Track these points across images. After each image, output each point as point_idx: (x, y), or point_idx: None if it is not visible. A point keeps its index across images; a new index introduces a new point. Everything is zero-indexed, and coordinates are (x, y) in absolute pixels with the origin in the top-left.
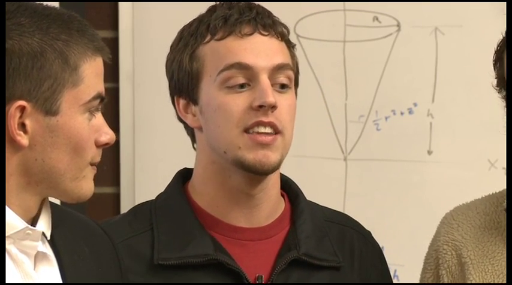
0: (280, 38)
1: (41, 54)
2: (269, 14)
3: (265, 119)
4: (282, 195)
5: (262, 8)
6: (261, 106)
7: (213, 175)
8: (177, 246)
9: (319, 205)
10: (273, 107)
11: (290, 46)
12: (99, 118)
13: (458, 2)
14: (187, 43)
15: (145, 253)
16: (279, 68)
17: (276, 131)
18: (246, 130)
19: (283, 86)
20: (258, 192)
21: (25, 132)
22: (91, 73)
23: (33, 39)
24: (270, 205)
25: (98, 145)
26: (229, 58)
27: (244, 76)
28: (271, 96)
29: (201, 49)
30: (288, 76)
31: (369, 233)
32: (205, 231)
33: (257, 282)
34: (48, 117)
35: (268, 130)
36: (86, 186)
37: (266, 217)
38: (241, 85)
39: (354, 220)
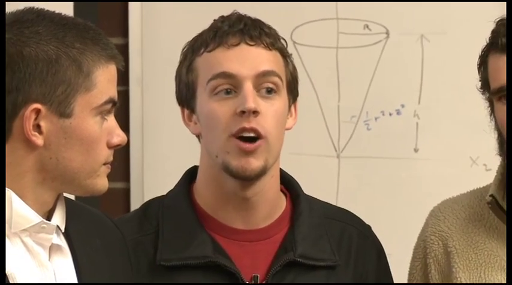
0: (269, 48)
1: (56, 60)
2: (259, 25)
3: (247, 125)
4: (285, 193)
5: (253, 20)
6: (243, 112)
7: (211, 179)
8: (179, 248)
9: (321, 201)
10: (255, 112)
11: (285, 55)
12: (111, 121)
13: (443, 11)
14: (186, 56)
15: (150, 253)
16: (263, 75)
17: (259, 136)
18: (233, 135)
19: (269, 91)
20: (252, 195)
21: (40, 132)
22: (104, 79)
23: (49, 47)
24: (267, 207)
25: (110, 146)
26: (216, 68)
27: (230, 84)
28: (252, 102)
29: (196, 61)
30: (273, 82)
31: (369, 228)
32: (206, 232)
33: (253, 282)
34: (62, 119)
35: (251, 134)
36: (100, 183)
37: (263, 219)
38: (228, 92)
39: (354, 216)
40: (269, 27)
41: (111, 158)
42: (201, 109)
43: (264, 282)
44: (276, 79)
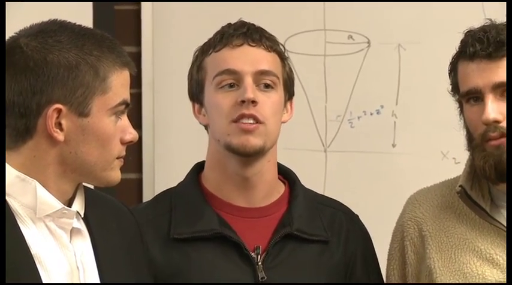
0: (268, 50)
1: (76, 66)
2: (260, 31)
3: (246, 111)
4: (284, 182)
5: (254, 25)
6: (243, 101)
7: (216, 163)
8: (190, 223)
9: (315, 192)
10: (254, 102)
11: (282, 58)
12: (124, 120)
13: (417, 23)
14: (197, 57)
15: (165, 229)
16: (261, 73)
17: (258, 121)
18: (234, 121)
19: (267, 86)
20: (252, 175)
21: (61, 129)
22: (118, 83)
23: (70, 54)
24: (265, 188)
25: (123, 142)
26: (222, 66)
27: (233, 79)
28: (251, 93)
29: (205, 61)
30: (271, 80)
31: (357, 216)
32: (213, 210)
33: (255, 251)
34: (81, 118)
35: (250, 120)
36: (114, 175)
37: (263, 198)
38: (231, 85)
39: (344, 205)
40: (269, 34)
41: (123, 153)
42: (208, 101)
43: (265, 252)
44: (273, 77)
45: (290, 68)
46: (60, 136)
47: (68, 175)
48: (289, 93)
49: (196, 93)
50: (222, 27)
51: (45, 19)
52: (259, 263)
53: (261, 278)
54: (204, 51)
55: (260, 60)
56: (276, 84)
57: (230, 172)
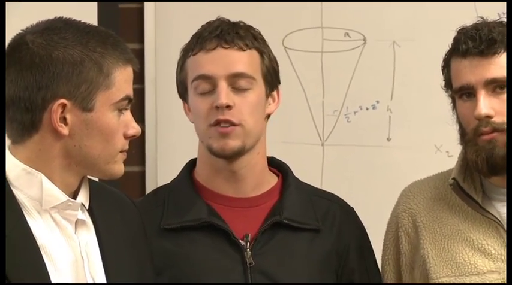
0: (243, 49)
1: (80, 62)
2: (235, 30)
3: (221, 117)
4: (277, 175)
5: (231, 24)
6: (218, 107)
7: (206, 159)
8: (180, 214)
9: (309, 185)
10: (228, 107)
11: (261, 52)
12: (127, 115)
13: (412, 21)
14: (180, 58)
15: (157, 221)
16: (235, 76)
17: (233, 124)
18: (212, 125)
19: (242, 88)
20: (238, 169)
21: (66, 124)
22: (121, 79)
23: (75, 51)
24: (254, 179)
25: (126, 136)
26: (198, 71)
27: (208, 83)
28: (224, 98)
29: (186, 62)
30: (246, 81)
31: (353, 209)
32: (203, 201)
33: (245, 239)
34: (85, 112)
35: (226, 124)
36: (117, 168)
37: (252, 189)
38: (208, 89)
39: (341, 198)
40: (246, 29)
41: (126, 147)
42: (191, 103)
43: (254, 239)
44: (248, 79)
45: (271, 58)
46: (64, 130)
47: (73, 168)
48: (272, 85)
49: (182, 93)
50: (201, 27)
51: (52, 17)
52: (248, 250)
53: (249, 264)
54: (185, 52)
55: (233, 63)
56: (252, 83)
57: (219, 167)
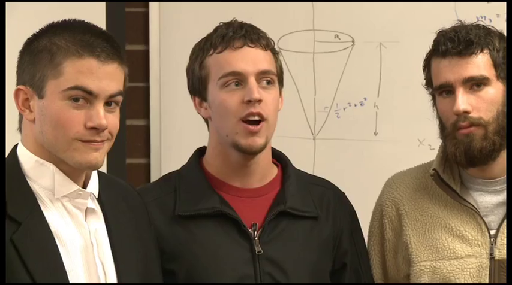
0: (265, 49)
1: (39, 53)
2: (256, 31)
3: (253, 110)
4: (276, 165)
5: (251, 26)
6: (249, 101)
7: (219, 152)
8: (193, 202)
9: (305, 172)
10: (259, 101)
11: (274, 53)
12: (96, 109)
13: (397, 24)
14: (198, 55)
15: (170, 207)
16: (262, 73)
17: (262, 118)
18: (241, 119)
19: (268, 82)
20: (251, 164)
21: (30, 110)
22: (72, 70)
23: (41, 42)
24: (260, 172)
25: (86, 127)
26: (227, 68)
27: (237, 79)
28: (257, 93)
29: (207, 60)
30: (271, 78)
31: (343, 194)
32: (214, 191)
33: (252, 227)
34: (39, 100)
35: (256, 118)
36: (78, 156)
37: (258, 181)
38: (236, 85)
39: (333, 184)
40: (262, 31)
41: (88, 138)
42: (214, 99)
43: (261, 228)
44: (272, 75)
45: (280, 61)
46: (29, 115)
47: (51, 155)
48: (281, 85)
49: (198, 89)
50: (220, 28)
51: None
52: (256, 238)
53: (258, 252)
54: (205, 50)
55: (260, 61)
56: (274, 80)
57: (232, 161)
